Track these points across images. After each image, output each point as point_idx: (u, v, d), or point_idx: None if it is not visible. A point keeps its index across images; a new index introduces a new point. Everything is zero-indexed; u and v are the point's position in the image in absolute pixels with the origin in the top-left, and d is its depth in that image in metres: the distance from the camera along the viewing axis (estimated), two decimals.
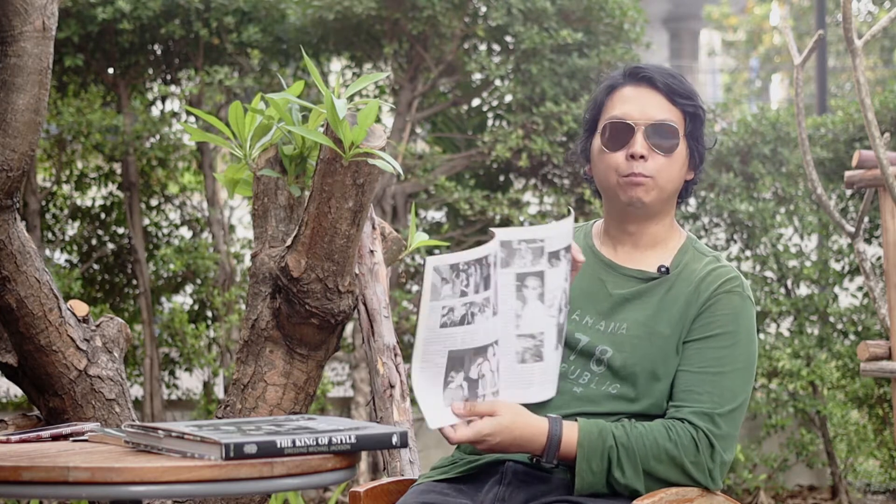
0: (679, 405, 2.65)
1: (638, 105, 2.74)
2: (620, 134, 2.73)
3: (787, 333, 6.61)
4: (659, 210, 2.77)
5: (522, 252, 2.58)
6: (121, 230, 6.72)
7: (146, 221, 6.72)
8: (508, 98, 6.62)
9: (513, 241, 2.57)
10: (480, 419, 2.52)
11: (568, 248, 2.63)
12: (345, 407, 6.64)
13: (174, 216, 6.88)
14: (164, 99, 6.74)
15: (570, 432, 2.59)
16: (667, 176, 2.73)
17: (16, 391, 6.66)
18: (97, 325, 3.34)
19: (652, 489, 2.61)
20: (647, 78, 2.74)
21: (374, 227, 3.62)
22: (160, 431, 2.28)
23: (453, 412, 2.52)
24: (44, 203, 6.62)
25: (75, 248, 6.70)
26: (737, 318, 2.70)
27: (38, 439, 2.61)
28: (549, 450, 2.57)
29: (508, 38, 6.50)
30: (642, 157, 2.71)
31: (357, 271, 3.43)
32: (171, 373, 6.70)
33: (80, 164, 6.76)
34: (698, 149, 2.77)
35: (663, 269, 2.75)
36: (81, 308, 3.32)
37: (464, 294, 2.49)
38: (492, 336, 2.55)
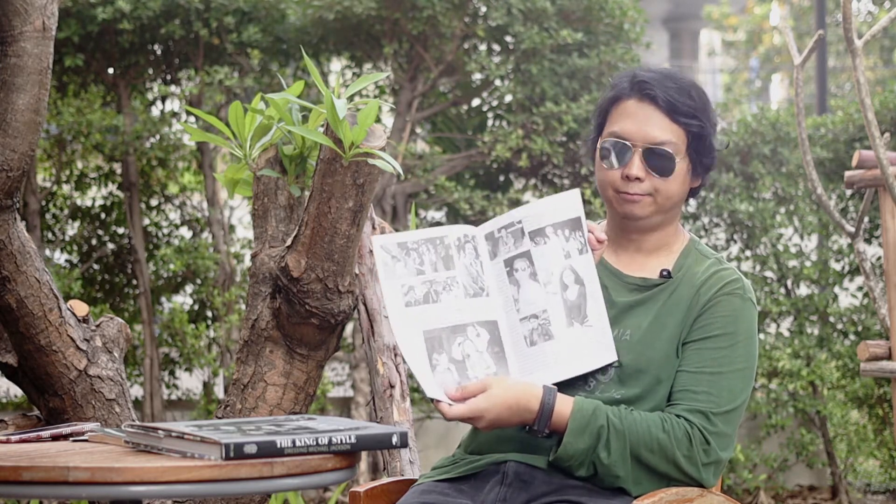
0: (675, 402, 2.66)
1: (638, 123, 2.70)
2: (618, 152, 2.71)
3: (787, 333, 6.61)
4: (660, 221, 2.77)
5: (504, 239, 2.62)
6: (121, 230, 6.72)
7: (146, 221, 6.71)
8: (508, 98, 6.62)
9: (493, 231, 2.61)
10: (474, 397, 2.55)
11: (562, 225, 2.65)
12: (345, 407, 6.64)
13: (174, 216, 6.88)
14: (164, 99, 6.73)
15: (565, 404, 2.60)
16: (664, 194, 2.72)
17: (16, 391, 6.66)
18: (97, 325, 3.34)
19: (638, 479, 2.61)
20: (650, 95, 2.69)
21: (374, 227, 3.62)
22: (160, 431, 2.28)
23: (448, 397, 2.56)
24: (44, 203, 6.62)
25: (75, 248, 6.70)
26: (736, 319, 2.70)
27: (38, 439, 2.61)
28: (540, 417, 2.58)
29: (508, 38, 6.50)
30: (638, 178, 2.71)
31: (357, 271, 3.43)
32: (171, 373, 6.70)
33: (80, 164, 6.75)
34: (703, 160, 2.74)
35: (665, 274, 2.75)
36: (81, 308, 3.32)
37: (420, 272, 2.53)
38: (470, 317, 2.58)
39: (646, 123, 2.70)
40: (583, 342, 2.65)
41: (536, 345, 2.61)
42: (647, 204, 2.72)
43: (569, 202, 2.66)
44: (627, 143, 2.70)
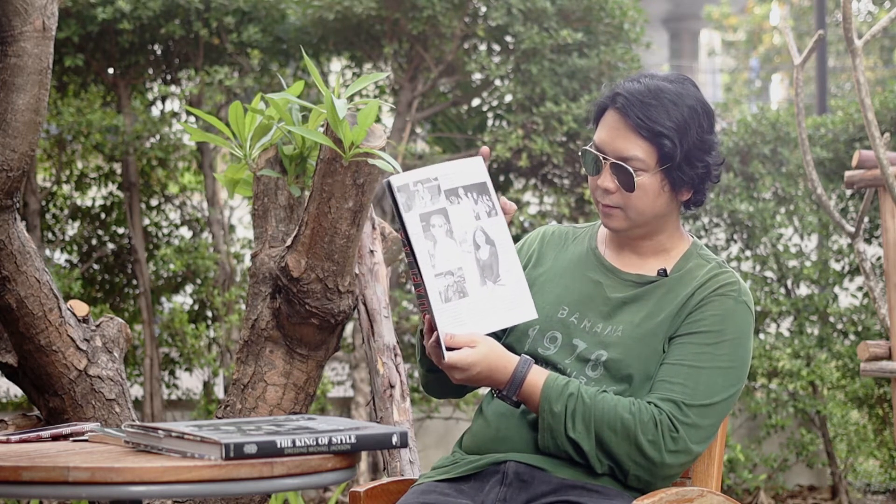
0: (651, 392, 2.67)
1: (611, 136, 2.72)
2: (593, 162, 2.74)
3: (787, 333, 6.61)
4: (646, 231, 2.77)
5: (421, 193, 2.62)
6: (121, 230, 6.72)
7: (146, 221, 6.72)
8: (508, 98, 6.62)
9: (408, 183, 2.61)
10: (461, 349, 2.58)
11: (470, 188, 2.67)
12: (345, 407, 6.64)
13: (174, 216, 6.88)
14: (164, 99, 6.74)
15: (538, 375, 2.64)
16: (636, 208, 2.72)
17: (16, 391, 6.66)
18: (97, 325, 3.34)
19: (603, 462, 2.62)
20: (622, 108, 2.70)
21: (374, 227, 3.62)
22: (160, 431, 2.28)
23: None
24: (44, 203, 6.62)
25: (75, 248, 6.70)
26: (725, 319, 2.69)
27: (38, 439, 2.61)
28: (511, 384, 2.62)
29: (508, 38, 6.50)
30: (607, 190, 2.72)
31: (357, 271, 3.44)
32: (171, 373, 6.70)
33: (80, 164, 6.76)
34: (686, 174, 2.71)
35: (661, 272, 2.76)
36: (81, 308, 3.32)
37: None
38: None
39: (617, 137, 2.71)
40: (495, 300, 2.67)
41: (451, 301, 2.63)
42: (620, 217, 2.74)
43: (474, 167, 2.69)
44: (599, 154, 2.72)
